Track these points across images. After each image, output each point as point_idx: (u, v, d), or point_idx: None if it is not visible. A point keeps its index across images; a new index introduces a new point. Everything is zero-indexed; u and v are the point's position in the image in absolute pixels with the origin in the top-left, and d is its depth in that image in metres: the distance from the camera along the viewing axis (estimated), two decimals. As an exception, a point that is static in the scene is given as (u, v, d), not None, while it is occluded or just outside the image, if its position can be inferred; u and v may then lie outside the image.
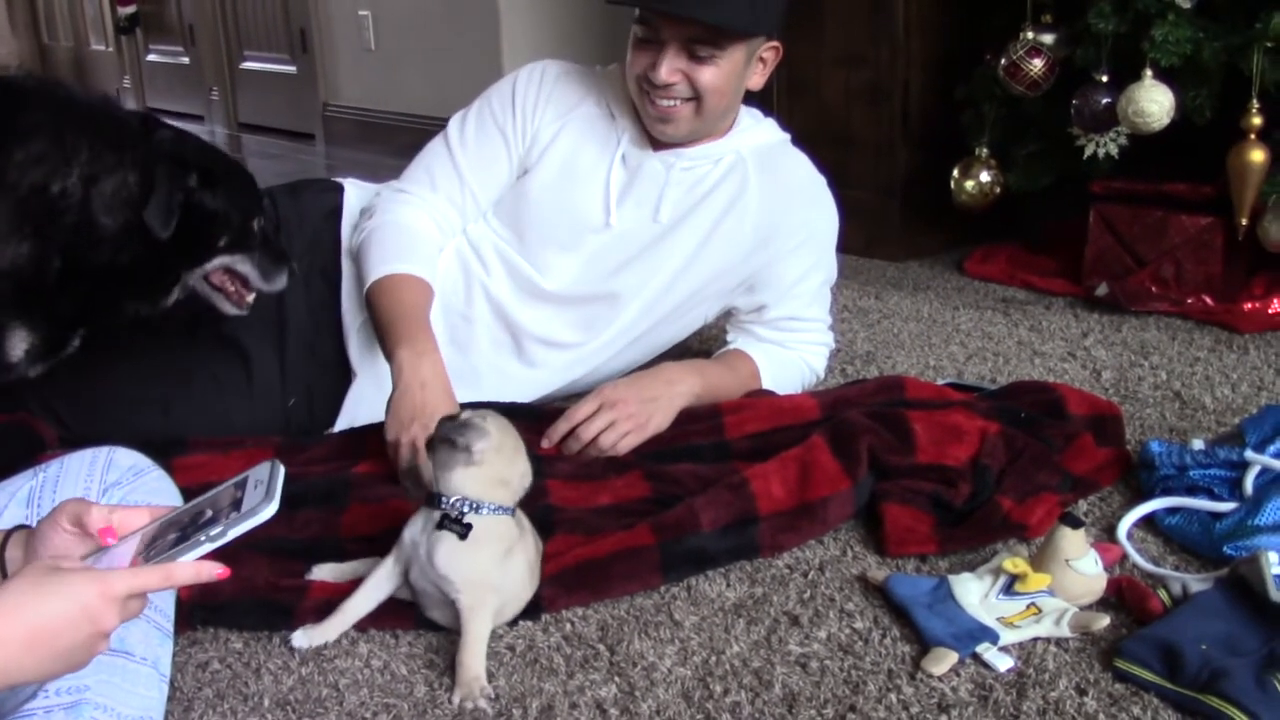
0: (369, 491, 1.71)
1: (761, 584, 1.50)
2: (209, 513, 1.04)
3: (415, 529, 1.39)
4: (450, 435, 1.36)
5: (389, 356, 1.77)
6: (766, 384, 2.01)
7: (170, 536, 1.03)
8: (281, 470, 1.06)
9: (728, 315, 2.11)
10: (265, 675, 1.35)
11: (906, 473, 1.64)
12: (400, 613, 1.43)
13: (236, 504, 1.03)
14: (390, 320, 1.80)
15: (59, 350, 1.66)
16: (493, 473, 1.37)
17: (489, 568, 1.36)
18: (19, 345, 1.61)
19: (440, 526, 1.35)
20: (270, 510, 1.01)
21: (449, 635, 1.41)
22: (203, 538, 0.99)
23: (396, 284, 1.84)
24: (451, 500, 1.35)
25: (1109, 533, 1.58)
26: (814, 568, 1.53)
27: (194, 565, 0.99)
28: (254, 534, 1.03)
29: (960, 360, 2.28)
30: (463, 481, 1.36)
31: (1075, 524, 1.39)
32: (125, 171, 1.59)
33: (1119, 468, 1.74)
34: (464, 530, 1.34)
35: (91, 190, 1.56)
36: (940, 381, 2.11)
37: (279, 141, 5.96)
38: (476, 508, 1.35)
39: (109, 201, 1.58)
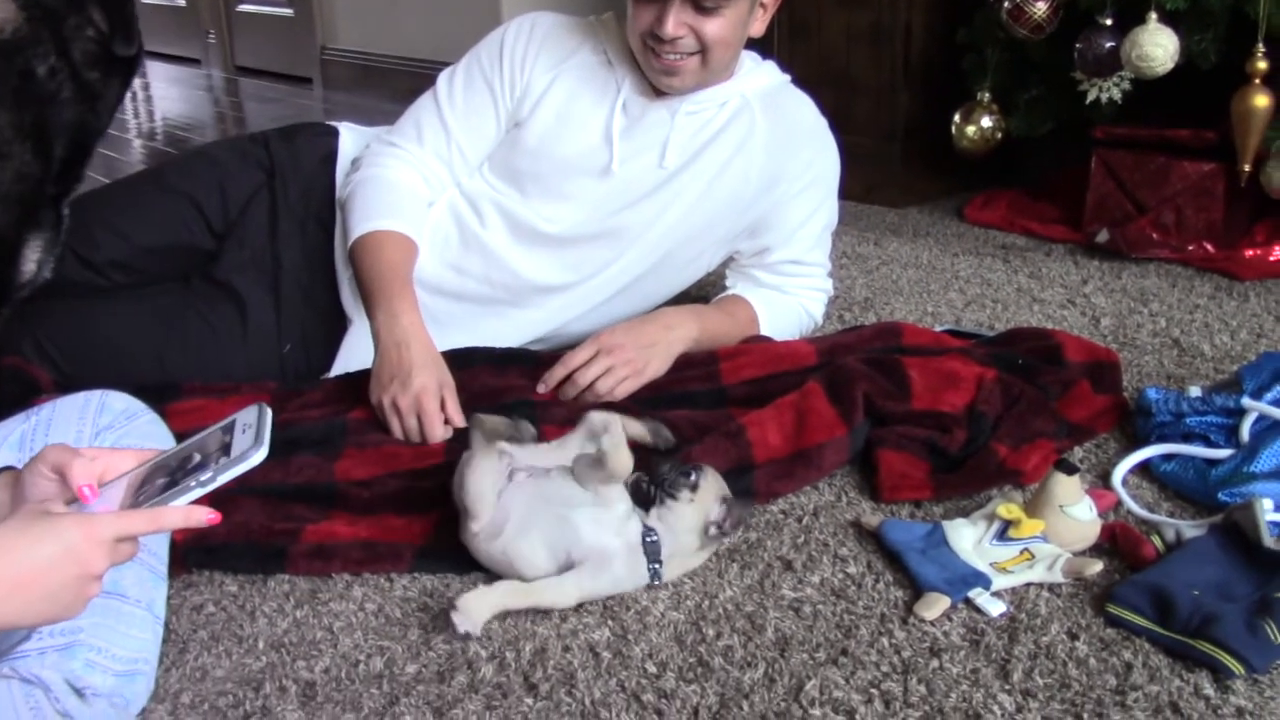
0: (363, 437, 1.71)
1: (756, 529, 1.50)
2: (197, 457, 1.04)
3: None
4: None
5: (369, 317, 1.77)
6: (765, 330, 2.01)
7: (159, 481, 1.03)
8: (269, 414, 1.05)
9: (728, 260, 2.09)
10: (260, 618, 1.35)
11: (902, 419, 1.63)
12: (395, 557, 1.44)
13: (225, 448, 1.03)
14: (370, 280, 1.80)
15: (60, 237, 1.59)
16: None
17: None
18: (33, 255, 1.56)
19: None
20: (259, 455, 1.01)
21: (443, 579, 1.41)
22: (192, 483, 0.99)
23: (378, 242, 1.83)
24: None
25: (1104, 479, 1.58)
26: (808, 513, 1.53)
27: (183, 510, 0.99)
28: (248, 478, 1.03)
29: (959, 307, 2.27)
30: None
31: (1070, 470, 1.39)
32: (90, 12, 1.50)
33: (1116, 415, 1.74)
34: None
35: (71, 53, 1.47)
36: (938, 328, 2.10)
37: (276, 86, 5.92)
38: None
39: (88, 56, 1.51)
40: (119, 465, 1.06)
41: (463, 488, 1.37)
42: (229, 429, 1.06)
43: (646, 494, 1.37)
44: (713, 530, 1.37)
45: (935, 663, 1.23)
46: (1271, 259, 2.39)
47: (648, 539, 1.35)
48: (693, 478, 1.36)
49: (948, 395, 1.66)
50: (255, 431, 1.03)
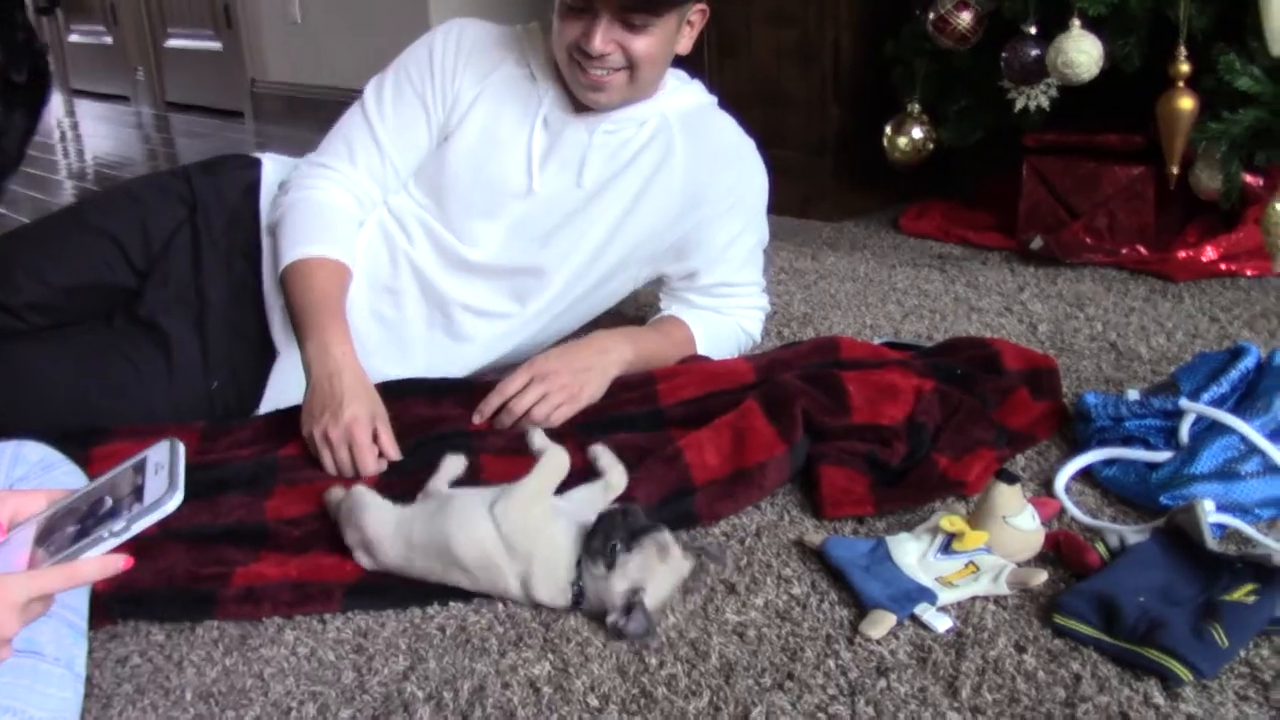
0: (295, 474, 1.66)
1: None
2: (109, 501, 1.00)
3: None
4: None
5: (301, 348, 1.73)
6: (702, 350, 1.98)
7: (70, 529, 0.98)
8: (182, 451, 1.02)
9: (660, 282, 2.07)
10: (188, 668, 1.30)
11: (841, 434, 1.61)
12: (326, 597, 1.39)
13: (138, 491, 0.99)
14: (301, 310, 1.76)
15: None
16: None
17: None
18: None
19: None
20: (175, 502, 0.97)
21: (377, 618, 1.37)
22: (105, 534, 0.95)
23: (309, 269, 1.79)
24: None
25: (1046, 487, 1.57)
26: (750, 534, 1.50)
27: (98, 562, 0.96)
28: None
29: (897, 319, 2.26)
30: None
31: (1011, 480, 1.37)
32: None
33: (1056, 421, 1.73)
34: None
35: None
36: (877, 340, 2.09)
37: (207, 120, 5.84)
38: None
39: None
40: (29, 507, 1.02)
41: (360, 529, 1.37)
42: (140, 468, 1.02)
43: (586, 542, 1.34)
44: (610, 619, 1.31)
45: (883, 683, 1.20)
46: (1204, 260, 2.41)
47: (573, 584, 1.34)
48: (613, 556, 1.31)
49: (886, 408, 1.64)
50: (169, 472, 0.99)
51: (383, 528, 1.41)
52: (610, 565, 1.30)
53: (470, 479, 1.60)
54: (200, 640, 1.35)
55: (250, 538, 1.52)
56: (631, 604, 1.29)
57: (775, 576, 1.41)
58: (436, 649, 1.31)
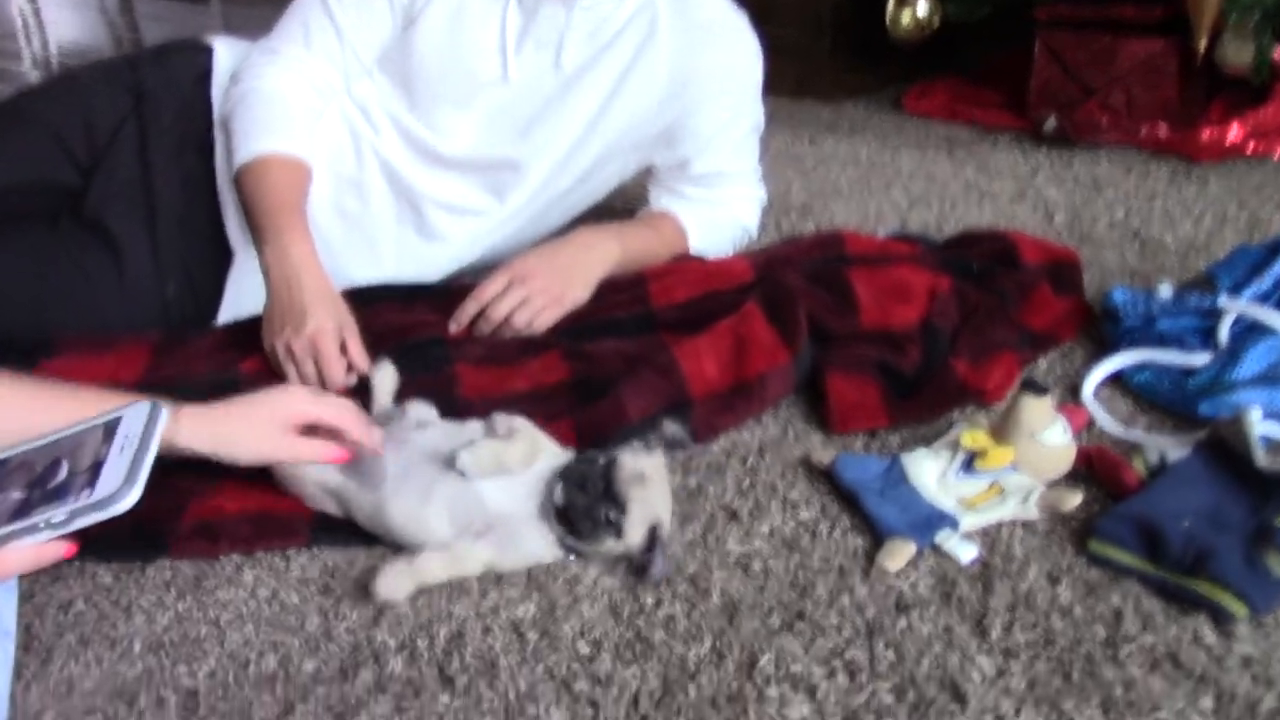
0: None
1: (696, 474, 1.34)
2: (63, 470, 0.88)
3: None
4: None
5: (258, 253, 1.58)
6: (695, 246, 1.84)
7: (14, 495, 0.87)
8: (161, 421, 0.89)
9: (648, 173, 1.92)
10: (137, 614, 1.18)
11: (850, 339, 1.48)
12: (289, 531, 1.27)
13: (95, 471, 0.86)
14: (256, 212, 1.60)
15: None
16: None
17: None
18: None
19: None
20: (125, 504, 0.85)
21: (346, 554, 1.25)
22: (41, 523, 0.84)
23: (264, 167, 1.63)
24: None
25: (1073, 394, 1.44)
26: (753, 451, 1.38)
27: (32, 552, 0.85)
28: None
29: (903, 207, 2.11)
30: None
31: (1040, 391, 1.24)
32: None
33: (1080, 319, 1.60)
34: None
35: None
36: (882, 232, 1.95)
37: (174, 5, 5.57)
38: None
39: None
40: None
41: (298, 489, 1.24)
42: (110, 432, 0.89)
43: (570, 525, 1.19)
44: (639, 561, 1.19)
45: (903, 622, 1.09)
46: (1229, 139, 2.26)
47: (568, 555, 1.21)
48: (615, 521, 1.17)
49: (898, 309, 1.50)
50: (133, 456, 0.86)
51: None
52: (620, 534, 1.17)
53: (446, 392, 1.47)
54: (151, 583, 1.23)
55: (208, 465, 1.38)
56: (652, 543, 1.17)
57: (781, 500, 1.28)
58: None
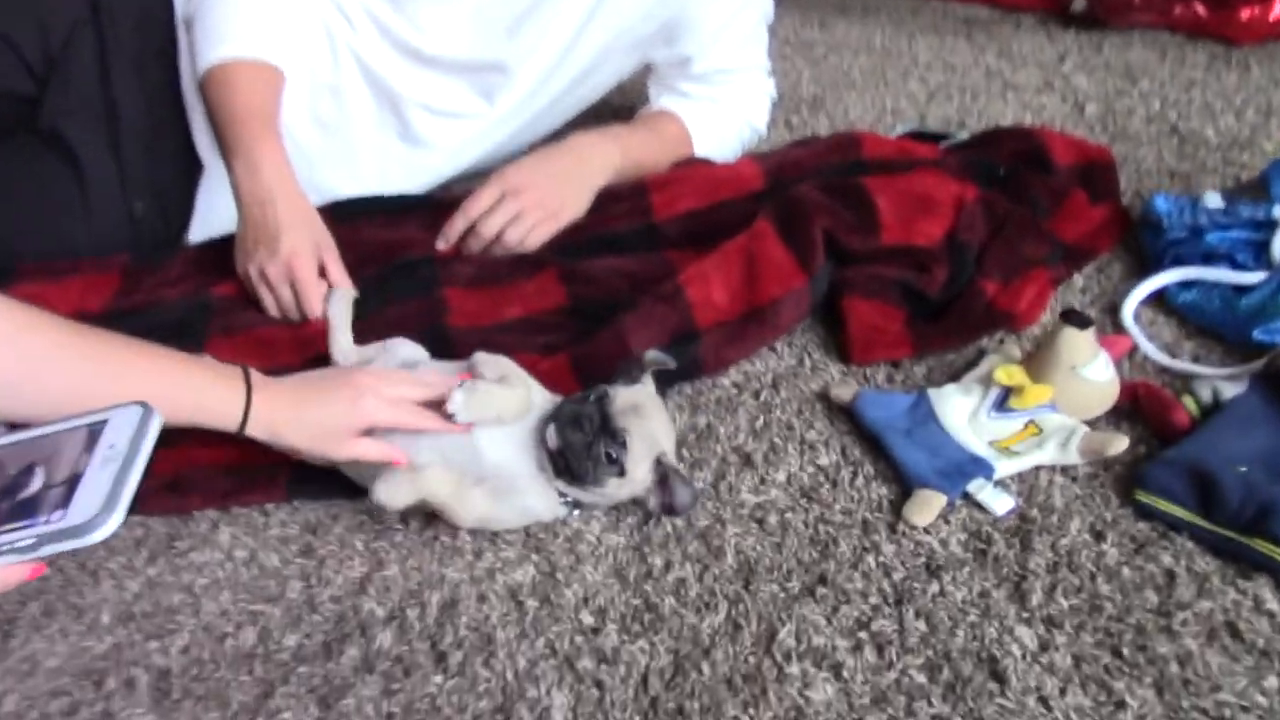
0: (231, 319, 1.42)
1: (705, 411, 1.24)
2: (37, 479, 0.77)
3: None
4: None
5: (228, 170, 1.45)
6: (700, 150, 1.71)
7: None
8: (153, 430, 0.78)
9: (648, 69, 1.77)
10: (105, 579, 1.09)
11: (870, 257, 1.36)
12: (268, 484, 1.17)
13: (71, 486, 0.76)
14: (224, 124, 1.46)
15: None
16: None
17: None
18: None
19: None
20: (102, 534, 0.74)
21: (329, 508, 1.16)
22: (5, 546, 0.73)
23: (232, 74, 1.49)
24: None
25: (1111, 314, 1.33)
26: (766, 385, 1.28)
27: None
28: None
29: (921, 100, 1.97)
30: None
31: (1083, 323, 1.14)
32: None
33: (1117, 229, 1.48)
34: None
35: None
36: (899, 129, 1.81)
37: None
38: None
39: None
40: None
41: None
42: (94, 438, 0.78)
43: (569, 468, 1.09)
44: (652, 504, 1.09)
45: (935, 586, 1.00)
46: (1271, 19, 2.09)
47: (566, 501, 1.11)
48: (616, 456, 1.06)
49: (922, 224, 1.38)
50: (116, 473, 0.75)
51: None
52: (622, 470, 1.07)
53: (435, 320, 1.36)
54: (121, 542, 1.14)
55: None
56: (664, 474, 1.07)
57: (798, 442, 1.19)
58: (399, 549, 1.10)
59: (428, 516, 1.13)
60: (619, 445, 1.07)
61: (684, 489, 1.06)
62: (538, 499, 1.09)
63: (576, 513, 1.10)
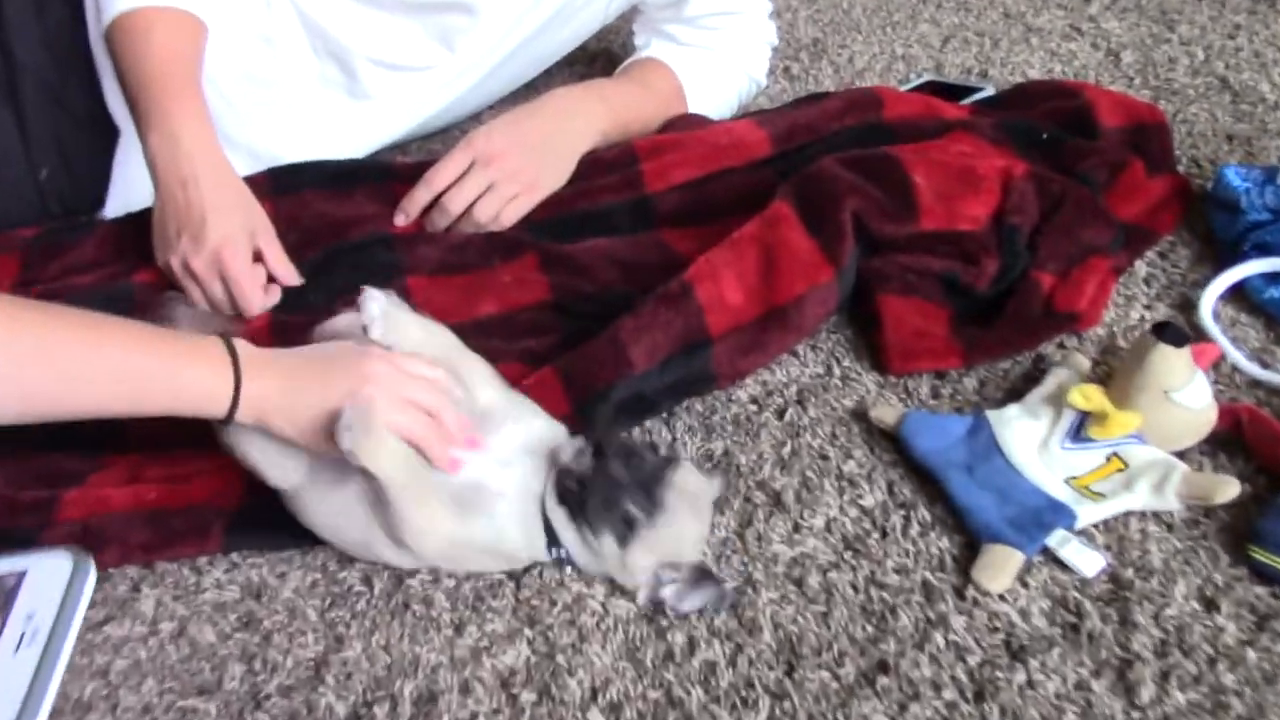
0: (155, 312, 1.20)
1: (720, 434, 1.05)
2: None
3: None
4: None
5: (141, 140, 1.22)
6: (694, 105, 1.50)
7: None
8: (87, 587, 0.58)
9: (634, 11, 1.56)
10: (-1, 661, 0.89)
11: (906, 245, 1.17)
12: (199, 532, 0.97)
13: None
14: (135, 86, 1.23)
15: None
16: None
17: None
18: None
19: None
20: None
21: (275, 565, 0.96)
22: None
23: (142, 25, 1.25)
24: None
25: (1183, 310, 1.15)
26: (790, 400, 1.08)
27: None
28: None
29: (935, 45, 1.76)
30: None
31: (1179, 339, 0.95)
32: None
33: (1179, 204, 1.29)
34: None
35: None
36: (915, 80, 1.61)
37: None
38: None
39: None
40: None
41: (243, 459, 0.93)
42: (8, 598, 0.58)
43: (579, 499, 0.90)
44: (642, 598, 0.90)
45: (1020, 674, 0.82)
46: (1314, -47, 1.90)
47: (553, 550, 0.92)
48: (633, 527, 0.88)
49: (966, 204, 1.19)
50: (39, 656, 0.55)
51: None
52: (625, 539, 0.88)
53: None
54: (18, 610, 0.93)
55: (87, 431, 1.08)
56: (678, 576, 0.88)
57: (834, 476, 1.00)
58: (362, 620, 0.90)
59: (396, 578, 0.93)
60: (647, 516, 0.88)
61: (696, 595, 0.88)
62: (517, 529, 0.90)
63: (557, 554, 0.91)
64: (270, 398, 0.88)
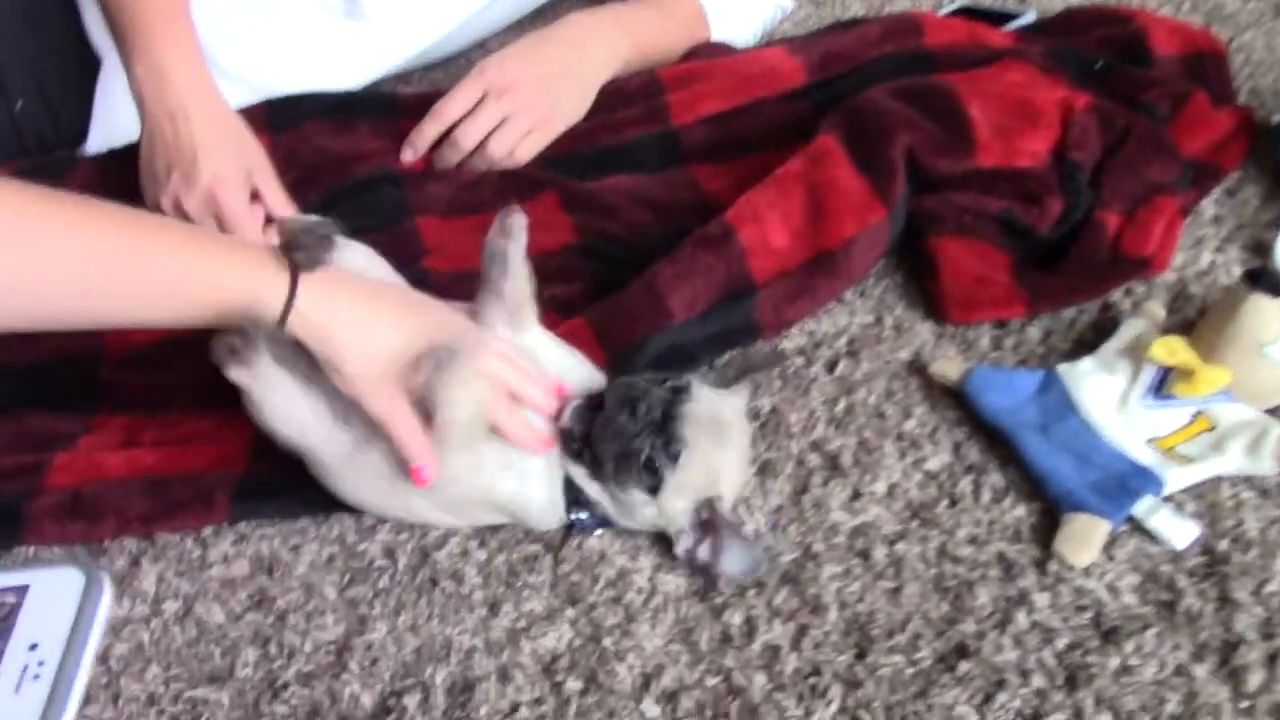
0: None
1: (767, 389, 0.97)
2: None
3: None
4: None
5: (126, 72, 1.12)
6: (718, 32, 1.40)
7: None
8: (102, 610, 0.50)
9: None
10: (-14, 645, 0.81)
11: (961, 183, 1.08)
12: (203, 501, 0.89)
13: None
14: (115, 10, 1.13)
15: None
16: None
17: None
18: None
19: None
20: None
21: (287, 535, 0.88)
22: None
23: None
24: None
25: (1256, 251, 1.07)
26: (841, 352, 1.00)
27: None
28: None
29: (966, -33, 1.65)
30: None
31: (1276, 288, 0.87)
32: None
33: (1245, 139, 1.20)
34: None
35: None
36: (949, 5, 1.51)
37: None
38: None
39: None
40: None
41: (270, 431, 0.84)
42: (7, 623, 0.50)
43: (592, 456, 0.83)
44: (681, 549, 0.82)
45: (1114, 659, 0.75)
46: None
47: (572, 513, 0.84)
48: (657, 474, 0.80)
49: (1025, 139, 1.10)
50: (48, 689, 0.47)
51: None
52: (653, 487, 0.80)
53: (410, 261, 1.07)
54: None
55: (77, 389, 0.99)
56: (705, 521, 0.81)
57: (894, 437, 0.92)
58: (385, 599, 0.83)
59: (420, 551, 0.85)
60: (668, 457, 0.80)
61: (740, 551, 0.80)
62: (544, 490, 0.84)
63: (580, 519, 0.84)
64: (335, 322, 0.79)
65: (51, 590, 0.52)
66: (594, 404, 0.83)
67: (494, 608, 0.81)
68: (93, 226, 0.75)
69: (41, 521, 0.87)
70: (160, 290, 0.76)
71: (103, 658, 0.79)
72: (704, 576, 0.81)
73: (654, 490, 0.81)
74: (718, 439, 0.83)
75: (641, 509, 0.82)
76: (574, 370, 0.89)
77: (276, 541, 0.87)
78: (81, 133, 1.32)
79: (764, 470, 0.89)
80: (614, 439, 0.81)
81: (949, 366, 0.95)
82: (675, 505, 0.81)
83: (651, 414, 0.82)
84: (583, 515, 0.84)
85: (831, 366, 0.99)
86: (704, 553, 0.81)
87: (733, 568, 0.80)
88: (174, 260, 0.76)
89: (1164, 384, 0.90)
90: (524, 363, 0.84)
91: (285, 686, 0.77)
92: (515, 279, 0.84)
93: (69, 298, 0.74)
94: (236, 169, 1.11)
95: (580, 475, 0.83)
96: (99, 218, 0.76)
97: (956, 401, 0.94)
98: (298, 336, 0.79)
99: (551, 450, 0.84)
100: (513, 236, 0.83)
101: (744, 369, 0.89)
